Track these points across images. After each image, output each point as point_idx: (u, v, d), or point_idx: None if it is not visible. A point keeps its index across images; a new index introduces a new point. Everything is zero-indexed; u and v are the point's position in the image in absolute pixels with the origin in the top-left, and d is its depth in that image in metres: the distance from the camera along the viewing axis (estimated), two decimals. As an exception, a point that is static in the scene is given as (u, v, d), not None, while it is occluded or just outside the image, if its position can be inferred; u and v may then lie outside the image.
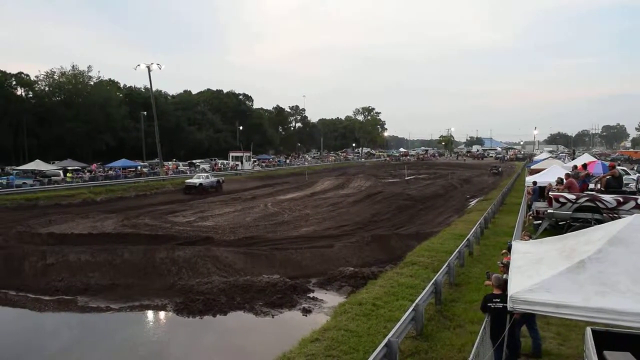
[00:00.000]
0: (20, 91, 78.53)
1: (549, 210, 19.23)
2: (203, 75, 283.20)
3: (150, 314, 16.00)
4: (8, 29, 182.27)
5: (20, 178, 47.64)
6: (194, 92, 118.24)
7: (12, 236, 25.31)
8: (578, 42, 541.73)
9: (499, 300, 7.68)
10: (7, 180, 46.04)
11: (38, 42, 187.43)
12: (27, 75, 78.40)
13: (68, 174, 52.18)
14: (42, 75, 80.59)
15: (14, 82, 76.62)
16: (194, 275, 18.45)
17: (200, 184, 48.42)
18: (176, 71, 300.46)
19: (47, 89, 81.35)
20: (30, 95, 79.71)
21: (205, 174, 52.88)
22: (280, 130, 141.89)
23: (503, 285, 7.72)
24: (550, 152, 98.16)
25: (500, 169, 74.47)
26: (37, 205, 37.71)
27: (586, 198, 18.54)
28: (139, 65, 61.74)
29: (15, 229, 27.21)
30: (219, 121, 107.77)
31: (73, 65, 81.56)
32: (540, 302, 5.94)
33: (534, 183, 24.71)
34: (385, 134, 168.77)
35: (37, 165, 55.66)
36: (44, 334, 14.77)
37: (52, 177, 50.60)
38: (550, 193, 19.71)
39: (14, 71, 76.83)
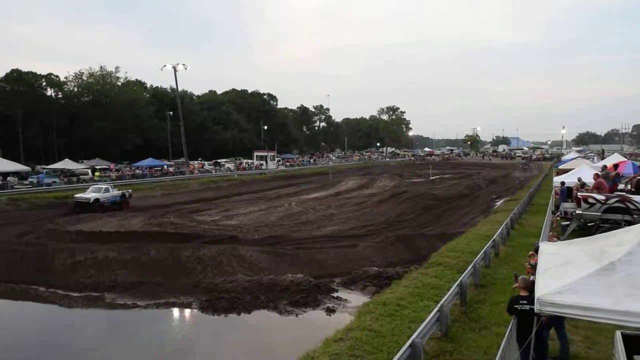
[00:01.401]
0: (50, 92, 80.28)
1: (578, 211, 18.91)
2: (228, 76, 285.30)
3: (176, 311, 16.18)
4: (38, 31, 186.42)
5: (50, 177, 48.74)
6: (219, 92, 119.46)
7: (42, 234, 25.88)
8: (609, 38, 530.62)
9: (525, 302, 7.58)
10: (38, 179, 47.11)
11: (67, 44, 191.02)
12: (57, 77, 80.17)
13: (96, 173, 53.16)
14: (71, 76, 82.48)
15: (44, 83, 78.35)
16: (219, 274, 18.59)
17: (97, 199, 35.88)
18: (201, 71, 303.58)
19: (76, 89, 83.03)
20: (60, 96, 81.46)
21: (105, 186, 38.67)
22: (305, 129, 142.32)
23: (530, 286, 7.62)
24: (578, 151, 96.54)
25: (529, 164, 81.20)
26: (66, 203, 38.41)
27: (616, 199, 18.18)
28: (164, 65, 62.63)
29: (46, 226, 27.78)
30: (244, 121, 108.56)
31: (101, 66, 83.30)
32: (568, 304, 5.84)
33: (562, 183, 24.32)
34: (410, 133, 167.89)
35: (66, 164, 56.92)
36: (72, 329, 15.06)
37: (81, 176, 51.61)
38: (579, 194, 19.39)
39: (44, 72, 78.63)
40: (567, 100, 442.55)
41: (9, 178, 43.91)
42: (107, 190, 37.33)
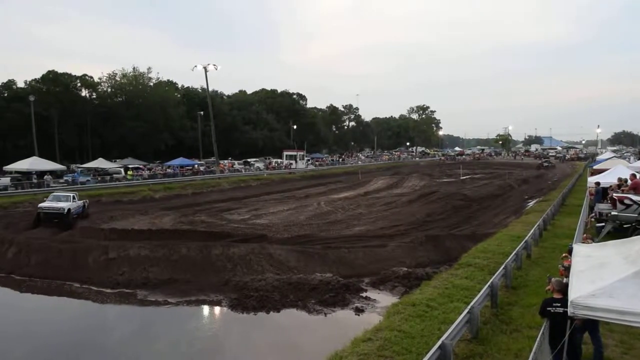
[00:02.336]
0: (84, 92, 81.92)
1: (613, 213, 18.46)
2: (257, 75, 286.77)
3: (206, 309, 16.37)
4: (73, 33, 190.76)
5: (84, 175, 49.88)
6: (249, 92, 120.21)
7: (76, 231, 26.45)
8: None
9: (559, 304, 7.44)
10: (72, 177, 48.22)
11: (100, 45, 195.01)
12: (91, 77, 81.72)
13: (129, 172, 54.10)
14: (104, 77, 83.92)
15: (79, 84, 79.99)
16: (248, 272, 18.73)
17: (69, 209, 29.54)
18: (232, 72, 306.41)
19: (109, 90, 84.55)
20: (94, 96, 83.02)
21: (71, 193, 32.30)
22: (334, 129, 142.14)
23: (563, 289, 7.48)
24: (614, 151, 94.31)
25: (548, 163, 79.96)
26: (99, 201, 39.21)
27: (654, 200, 17.70)
28: (195, 66, 63.27)
29: (80, 224, 28.41)
30: (273, 120, 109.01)
31: (134, 67, 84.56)
32: (603, 308, 5.72)
33: (597, 184, 23.78)
34: (440, 132, 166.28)
35: (99, 163, 58.10)
36: (105, 325, 15.37)
37: (114, 175, 52.63)
38: (614, 194, 18.93)
39: (78, 73, 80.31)
40: (602, 99, 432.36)
41: (45, 177, 45.03)
42: (73, 199, 30.91)
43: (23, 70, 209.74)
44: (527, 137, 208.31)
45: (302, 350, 13.16)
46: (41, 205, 29.50)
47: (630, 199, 17.93)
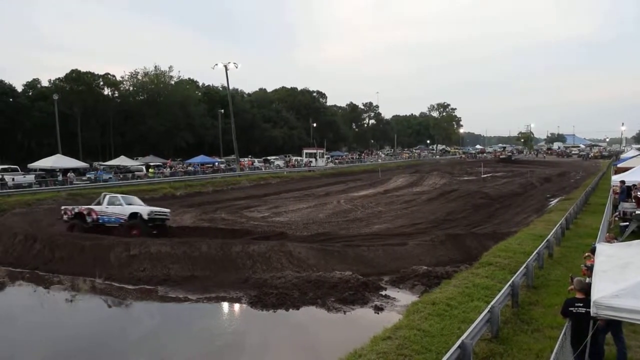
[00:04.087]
0: (107, 91, 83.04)
1: (638, 212, 18.18)
2: (278, 73, 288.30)
3: (225, 305, 16.48)
4: (94, 32, 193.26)
5: (107, 173, 50.64)
6: (269, 90, 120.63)
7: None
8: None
9: (581, 304, 7.35)
10: (95, 175, 48.94)
11: (121, 44, 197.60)
12: (113, 76, 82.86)
13: (150, 170, 54.71)
14: (126, 76, 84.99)
15: (101, 83, 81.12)
16: (268, 270, 18.78)
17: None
18: (252, 70, 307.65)
19: (131, 88, 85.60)
20: (116, 95, 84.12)
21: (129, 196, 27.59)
22: (354, 127, 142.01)
23: (586, 289, 7.39)
24: (639, 149, 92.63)
25: (513, 157, 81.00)
26: (122, 198, 39.68)
27: (680, 199, 17.37)
28: (216, 64, 63.57)
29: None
30: (293, 118, 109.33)
31: (155, 66, 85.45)
32: (626, 308, 5.64)
33: (622, 182, 23.39)
34: (461, 130, 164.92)
35: (121, 161, 58.93)
36: (127, 321, 15.56)
37: (136, 173, 53.28)
38: (639, 193, 18.61)
39: (101, 72, 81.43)
40: (629, 97, 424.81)
41: (68, 174, 45.77)
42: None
43: (47, 70, 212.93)
44: (549, 135, 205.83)
45: (321, 348, 13.18)
46: (146, 208, 25.29)
47: (656, 198, 17.62)
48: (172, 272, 19.11)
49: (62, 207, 26.87)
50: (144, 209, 25.14)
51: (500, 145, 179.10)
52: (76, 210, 25.74)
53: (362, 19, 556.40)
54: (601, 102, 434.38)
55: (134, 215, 24.38)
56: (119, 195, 26.27)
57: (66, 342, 13.66)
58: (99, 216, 25.05)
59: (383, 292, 16.63)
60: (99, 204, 25.77)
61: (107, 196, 25.81)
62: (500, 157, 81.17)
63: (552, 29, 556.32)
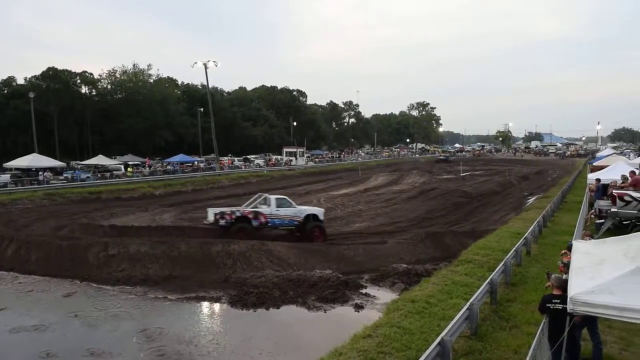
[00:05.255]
0: (84, 89, 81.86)
1: (613, 209, 18.45)
2: (258, 72, 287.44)
3: (205, 305, 16.36)
4: (72, 30, 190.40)
5: (84, 172, 49.98)
6: (249, 88, 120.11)
7: (76, 228, 26.43)
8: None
9: (558, 301, 7.44)
10: (73, 174, 48.27)
11: (99, 42, 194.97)
12: (91, 74, 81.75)
13: (129, 169, 54.14)
14: (104, 74, 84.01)
15: (78, 81, 79.94)
16: (248, 269, 18.73)
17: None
18: (232, 69, 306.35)
19: (109, 87, 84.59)
20: (94, 93, 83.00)
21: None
22: (334, 125, 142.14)
23: (563, 285, 7.49)
24: (614, 148, 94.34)
25: (450, 158, 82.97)
26: (99, 198, 39.26)
27: (653, 196, 17.69)
28: (196, 62, 63.11)
29: (80, 220, 28.43)
30: (273, 117, 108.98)
31: (134, 64, 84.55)
32: (602, 304, 5.73)
33: (598, 180, 23.75)
34: (440, 129, 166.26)
35: (99, 160, 58.19)
36: (104, 322, 15.33)
37: (114, 172, 52.66)
38: (614, 191, 18.90)
39: (78, 70, 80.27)
40: (605, 97, 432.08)
41: (45, 173, 45.01)
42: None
43: (23, 67, 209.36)
44: (527, 134, 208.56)
45: (301, 347, 13.15)
46: (318, 209, 25.96)
47: (630, 196, 17.91)
48: (151, 271, 18.94)
49: (214, 211, 24.20)
50: (318, 210, 25.36)
51: (479, 143, 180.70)
52: (238, 213, 23.81)
53: (343, 19, 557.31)
54: (578, 103, 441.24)
55: (310, 217, 24.13)
56: (282, 197, 25.55)
57: (39, 346, 13.41)
58: (268, 219, 23.96)
59: (363, 290, 16.69)
60: (255, 206, 24.77)
61: (272, 198, 24.73)
62: (439, 157, 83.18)
63: (531, 30, 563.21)
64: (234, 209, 24.61)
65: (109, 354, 12.64)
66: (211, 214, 23.94)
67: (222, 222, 23.59)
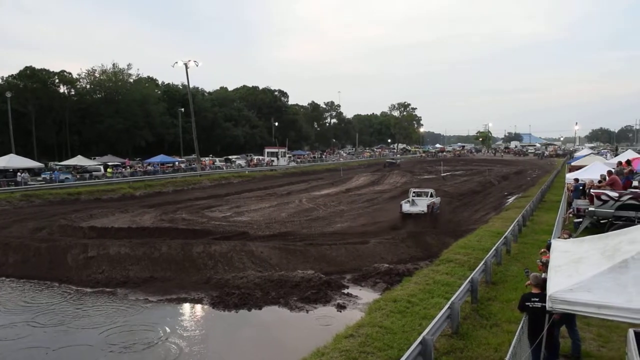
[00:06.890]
0: (63, 89, 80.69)
1: (590, 208, 18.72)
2: (239, 72, 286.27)
3: (187, 307, 16.25)
4: (51, 28, 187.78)
5: (63, 173, 49.23)
6: (230, 88, 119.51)
7: (55, 229, 26.09)
8: (624, 35, 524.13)
9: (537, 299, 7.53)
10: (51, 175, 47.54)
11: (78, 41, 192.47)
12: (70, 74, 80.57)
13: (108, 170, 53.54)
14: (83, 73, 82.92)
15: (56, 80, 78.77)
16: (230, 270, 18.65)
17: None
18: (213, 69, 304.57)
19: (88, 86, 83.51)
20: (73, 93, 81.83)
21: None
22: (316, 126, 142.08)
23: (542, 284, 7.58)
24: (591, 148, 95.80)
25: (398, 162, 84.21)
26: (79, 199, 38.75)
27: (630, 196, 18.00)
28: (176, 62, 62.50)
29: (59, 222, 28.01)
30: (255, 117, 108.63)
31: (113, 63, 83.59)
32: (580, 302, 5.81)
33: (576, 180, 24.09)
34: (421, 129, 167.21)
35: (78, 160, 57.40)
36: (84, 325, 15.14)
37: (93, 173, 51.99)
38: (592, 190, 19.18)
39: (56, 69, 79.12)
40: (583, 98, 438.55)
41: (22, 174, 44.22)
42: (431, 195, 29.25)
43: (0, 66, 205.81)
44: (507, 134, 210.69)
45: (284, 347, 13.14)
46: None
47: (607, 195, 18.20)
48: (131, 273, 18.78)
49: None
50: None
51: (459, 144, 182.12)
52: None
53: (325, 20, 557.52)
54: (557, 104, 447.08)
55: None
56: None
57: (17, 351, 13.21)
58: None
59: (345, 291, 16.72)
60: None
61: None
62: (387, 161, 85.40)
63: (511, 32, 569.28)
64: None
65: (86, 356, 12.49)
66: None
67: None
